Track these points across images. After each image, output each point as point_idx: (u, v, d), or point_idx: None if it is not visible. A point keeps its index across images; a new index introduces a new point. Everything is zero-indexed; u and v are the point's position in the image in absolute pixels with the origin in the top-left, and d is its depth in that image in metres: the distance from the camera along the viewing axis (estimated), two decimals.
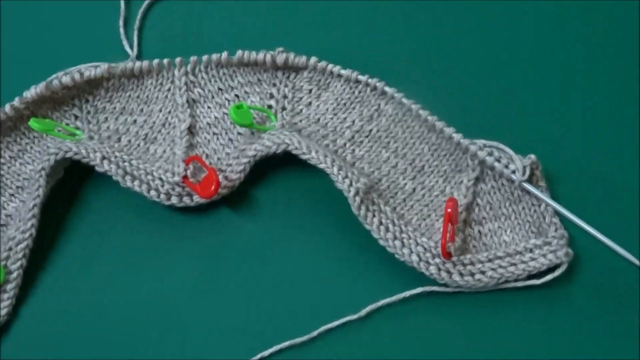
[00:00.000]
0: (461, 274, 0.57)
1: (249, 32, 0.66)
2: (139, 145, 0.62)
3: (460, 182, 0.60)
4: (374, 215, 0.58)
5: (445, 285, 0.57)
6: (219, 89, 0.63)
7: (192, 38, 0.66)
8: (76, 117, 0.63)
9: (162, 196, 0.59)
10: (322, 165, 0.58)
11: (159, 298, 0.59)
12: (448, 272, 0.57)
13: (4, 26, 0.68)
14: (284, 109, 0.62)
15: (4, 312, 0.58)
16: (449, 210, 0.56)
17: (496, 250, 0.58)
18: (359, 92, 0.62)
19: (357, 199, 0.57)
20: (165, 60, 0.63)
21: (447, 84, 0.64)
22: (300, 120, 0.62)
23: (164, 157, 0.61)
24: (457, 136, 0.59)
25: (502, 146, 0.60)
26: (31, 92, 0.61)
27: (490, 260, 0.58)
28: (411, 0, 0.67)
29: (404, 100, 0.61)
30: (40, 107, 0.62)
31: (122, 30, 0.66)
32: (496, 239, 0.59)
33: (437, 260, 0.57)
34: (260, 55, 0.62)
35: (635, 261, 0.56)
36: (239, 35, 0.66)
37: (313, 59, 0.62)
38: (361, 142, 0.61)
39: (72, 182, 0.62)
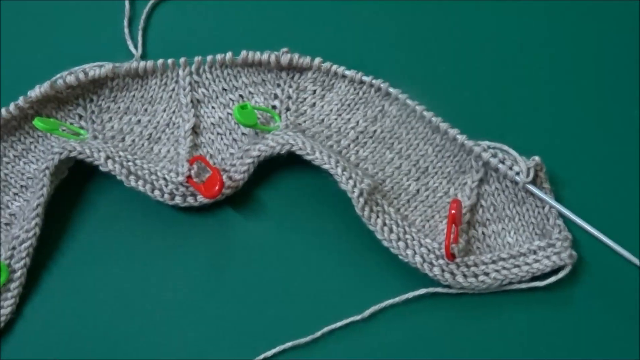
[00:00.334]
0: (465, 276, 0.57)
1: (253, 32, 0.66)
2: (143, 145, 0.62)
3: (464, 183, 0.60)
4: (377, 216, 0.58)
5: (448, 286, 0.57)
6: (223, 89, 0.63)
7: (197, 38, 0.66)
8: (80, 117, 0.63)
9: (166, 196, 0.59)
10: (326, 166, 0.58)
11: (162, 298, 0.59)
12: (452, 273, 0.57)
13: (8, 25, 0.68)
14: (288, 109, 0.62)
15: (7, 310, 0.58)
16: (453, 211, 0.57)
17: (500, 251, 0.58)
18: (363, 93, 0.62)
19: (361, 199, 0.57)
20: (170, 61, 0.63)
21: (452, 85, 0.64)
22: (305, 121, 0.62)
23: (168, 157, 0.61)
24: (461, 137, 0.59)
25: (506, 148, 0.60)
26: (36, 92, 0.61)
27: (493, 262, 0.58)
28: (415, 0, 0.67)
29: (408, 101, 0.61)
30: (44, 106, 0.62)
31: (126, 30, 0.66)
32: (500, 240, 0.59)
33: (441, 261, 0.57)
34: (265, 56, 0.62)
35: (639, 263, 0.56)
36: (243, 36, 0.66)
37: (317, 60, 0.62)
38: (365, 143, 0.61)
39: (76, 182, 0.62)
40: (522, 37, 0.66)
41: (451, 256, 0.56)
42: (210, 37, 0.66)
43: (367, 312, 0.57)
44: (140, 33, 0.66)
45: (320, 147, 0.59)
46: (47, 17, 0.68)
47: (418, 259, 0.57)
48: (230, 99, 0.63)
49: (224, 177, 0.59)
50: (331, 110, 0.62)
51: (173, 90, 0.63)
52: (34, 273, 0.60)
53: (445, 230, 0.58)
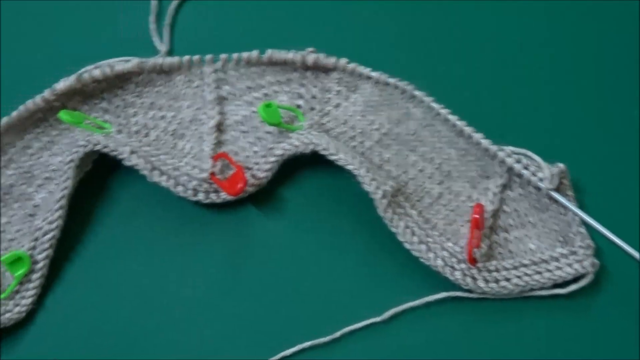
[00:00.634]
0: (486, 280, 0.57)
1: (279, 31, 0.67)
2: (166, 140, 0.62)
3: (487, 188, 0.60)
4: (400, 219, 0.58)
5: (469, 291, 0.57)
6: (248, 87, 0.63)
7: (223, 35, 0.66)
8: (105, 111, 0.63)
9: (189, 192, 0.60)
10: (349, 167, 0.58)
11: (181, 294, 0.59)
12: (473, 278, 0.57)
13: (36, 19, 0.68)
14: (312, 109, 0.62)
15: (28, 301, 0.59)
16: (476, 216, 0.57)
17: (522, 257, 0.58)
18: (388, 95, 0.62)
19: (384, 201, 0.57)
20: (196, 57, 0.63)
21: (477, 88, 0.64)
22: (328, 121, 0.62)
23: (191, 153, 0.61)
24: (485, 142, 0.59)
25: (530, 154, 0.59)
26: (62, 85, 0.61)
27: (515, 268, 0.57)
28: (441, 2, 0.67)
29: (433, 104, 0.61)
30: (70, 99, 0.62)
31: (153, 26, 0.66)
32: (522, 246, 0.59)
33: (463, 265, 0.57)
34: (291, 55, 0.62)
35: None
36: (269, 34, 0.66)
37: (343, 60, 0.62)
38: (389, 144, 0.61)
39: (99, 175, 0.62)
40: (550, 41, 0.65)
41: (473, 260, 0.56)
42: (236, 34, 0.66)
43: (387, 314, 0.57)
44: (167, 29, 0.66)
45: (344, 148, 0.59)
46: (75, 11, 0.68)
47: (439, 262, 0.57)
48: (255, 97, 0.63)
49: (248, 174, 0.59)
50: (355, 111, 0.62)
51: (198, 86, 0.63)
52: (55, 264, 0.60)
53: (467, 235, 0.58)
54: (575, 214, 0.58)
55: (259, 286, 0.59)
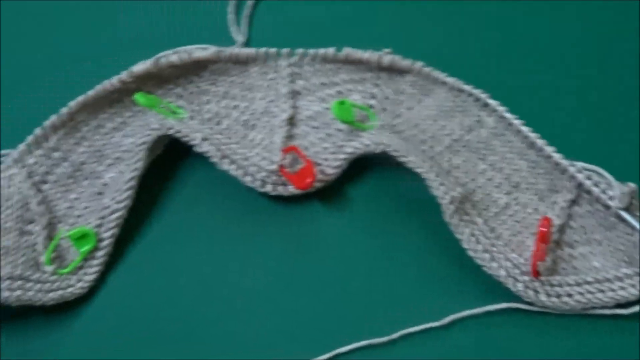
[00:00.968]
0: (548, 294, 0.57)
1: (356, 30, 0.67)
2: (238, 130, 0.63)
3: (555, 202, 0.59)
4: (465, 226, 0.58)
5: (530, 303, 0.57)
6: (322, 83, 0.63)
7: (299, 30, 0.67)
8: (179, 96, 0.64)
9: (257, 183, 0.60)
10: (419, 170, 0.58)
11: (241, 283, 0.60)
12: (535, 290, 0.56)
13: (117, 4, 0.69)
14: (384, 110, 0.62)
15: (91, 277, 0.60)
16: (544, 229, 0.56)
17: (585, 275, 0.57)
18: (462, 101, 0.62)
19: (452, 207, 0.57)
20: (272, 50, 0.63)
21: (552, 101, 0.64)
22: (400, 123, 0.62)
23: (262, 145, 0.62)
24: (556, 156, 0.59)
25: (601, 171, 0.59)
26: (139, 67, 0.62)
27: (578, 284, 0.57)
28: (528, 17, 0.67)
29: (506, 114, 0.60)
30: (145, 83, 0.63)
31: (232, 16, 0.67)
32: (586, 263, 0.58)
33: (525, 277, 0.57)
34: (367, 55, 0.62)
35: None
36: (346, 32, 0.67)
37: (418, 64, 0.62)
38: (458, 151, 0.61)
39: (169, 159, 0.63)
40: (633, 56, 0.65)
41: (536, 273, 0.56)
42: (312, 30, 0.67)
43: (446, 320, 0.57)
44: (245, 20, 0.67)
45: (415, 151, 0.59)
46: None
47: (502, 272, 0.57)
48: (328, 93, 0.63)
49: (316, 170, 0.60)
50: (427, 115, 0.62)
51: (272, 79, 0.63)
52: (120, 244, 0.61)
53: (532, 247, 0.58)
54: None
55: (318, 282, 0.59)
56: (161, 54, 0.63)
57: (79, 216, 0.61)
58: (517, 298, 0.57)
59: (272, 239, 0.61)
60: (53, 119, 0.61)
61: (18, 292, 0.57)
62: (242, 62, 0.64)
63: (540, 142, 0.59)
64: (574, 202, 0.59)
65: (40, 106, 0.62)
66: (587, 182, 0.58)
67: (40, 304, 0.57)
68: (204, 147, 0.60)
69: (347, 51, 0.63)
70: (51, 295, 0.58)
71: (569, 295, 0.57)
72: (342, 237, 0.60)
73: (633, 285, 0.56)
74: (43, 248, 0.59)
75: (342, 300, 0.59)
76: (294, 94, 0.63)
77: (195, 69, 0.64)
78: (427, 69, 0.62)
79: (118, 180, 0.61)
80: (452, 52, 0.66)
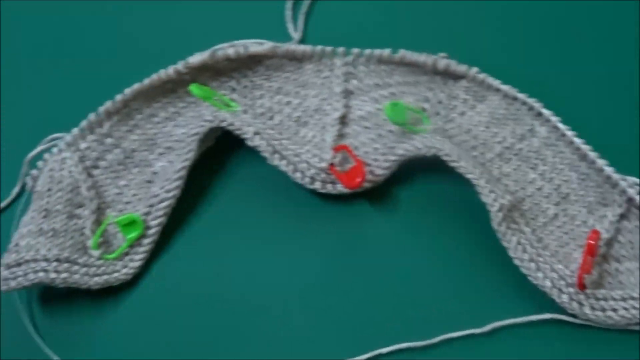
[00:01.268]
0: (592, 308, 0.56)
1: (412, 32, 0.67)
2: (290, 126, 0.63)
3: (604, 215, 0.59)
4: (513, 234, 0.57)
5: (574, 316, 0.57)
6: (376, 84, 0.63)
7: (355, 30, 0.67)
8: (233, 90, 0.64)
9: (307, 179, 0.60)
10: (469, 176, 0.58)
11: (284, 280, 0.60)
12: (580, 303, 0.56)
13: None
14: (437, 114, 0.62)
15: (136, 264, 0.60)
16: (592, 242, 0.56)
17: (631, 290, 0.57)
18: (515, 110, 0.62)
19: (500, 214, 0.57)
20: (328, 48, 0.64)
21: (606, 114, 0.64)
22: (452, 128, 0.62)
23: (313, 142, 0.62)
24: (608, 169, 0.59)
25: None
26: (195, 59, 0.62)
27: (624, 300, 0.57)
28: (586, 29, 0.67)
29: (559, 125, 0.60)
30: (200, 74, 0.63)
31: (289, 12, 0.67)
32: (633, 279, 0.58)
33: (570, 289, 0.56)
34: (422, 58, 0.62)
35: None
36: (402, 35, 0.66)
37: (474, 70, 0.62)
38: (509, 159, 0.61)
39: (220, 152, 0.63)
40: None
41: (582, 286, 0.56)
42: (368, 31, 0.67)
43: (488, 327, 0.57)
44: (301, 17, 0.67)
45: (466, 156, 0.59)
46: None
47: (547, 283, 0.57)
48: (381, 94, 0.63)
49: (366, 170, 0.60)
50: (480, 121, 0.62)
51: (326, 77, 0.64)
52: (166, 233, 0.61)
53: (579, 259, 0.57)
54: None
55: (362, 282, 0.60)
56: (218, 46, 0.64)
57: (127, 203, 0.62)
58: (560, 309, 0.57)
59: (318, 236, 0.61)
60: (107, 105, 0.62)
61: (64, 275, 0.57)
62: (297, 59, 0.64)
63: (592, 155, 0.59)
64: (623, 216, 0.59)
65: (96, 92, 0.63)
66: (638, 198, 0.58)
67: (86, 287, 0.58)
68: (255, 142, 0.60)
69: (402, 53, 0.63)
70: (96, 279, 0.59)
71: (614, 310, 0.56)
72: (388, 238, 0.61)
73: None
74: (91, 232, 0.60)
75: (385, 301, 0.59)
76: (347, 93, 0.63)
77: (250, 63, 0.64)
78: (482, 75, 0.62)
79: (168, 170, 0.61)
80: (507, 59, 0.66)
